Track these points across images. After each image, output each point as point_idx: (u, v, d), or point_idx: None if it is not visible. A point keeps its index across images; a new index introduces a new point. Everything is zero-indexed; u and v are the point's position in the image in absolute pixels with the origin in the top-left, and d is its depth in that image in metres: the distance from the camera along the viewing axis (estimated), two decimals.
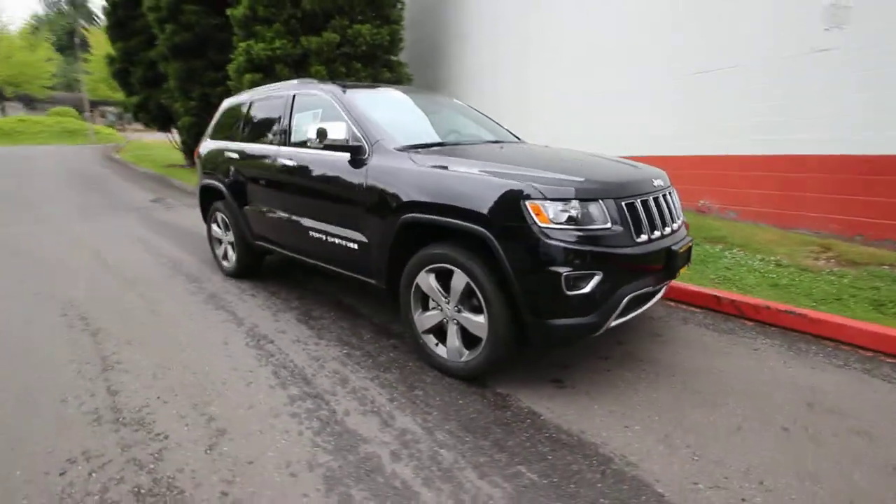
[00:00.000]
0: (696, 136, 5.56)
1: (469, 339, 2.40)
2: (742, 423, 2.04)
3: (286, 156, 3.31)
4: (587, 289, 2.07)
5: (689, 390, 2.31)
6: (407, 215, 2.44)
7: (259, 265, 4.27)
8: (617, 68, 6.41)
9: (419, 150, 2.70)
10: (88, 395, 2.34)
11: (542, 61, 8.13)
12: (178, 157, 15.32)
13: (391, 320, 3.26)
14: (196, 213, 8.65)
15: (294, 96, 3.44)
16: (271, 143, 3.57)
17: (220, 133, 4.32)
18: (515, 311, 2.16)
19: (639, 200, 2.26)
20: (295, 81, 3.65)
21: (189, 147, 14.48)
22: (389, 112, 3.14)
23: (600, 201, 2.12)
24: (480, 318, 2.25)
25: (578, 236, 2.05)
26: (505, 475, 1.74)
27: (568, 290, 2.04)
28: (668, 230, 2.41)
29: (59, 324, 3.25)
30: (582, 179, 2.20)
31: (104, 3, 13.41)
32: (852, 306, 3.15)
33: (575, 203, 2.07)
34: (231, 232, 4.12)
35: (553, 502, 1.62)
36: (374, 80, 10.06)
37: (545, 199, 2.05)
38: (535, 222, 2.04)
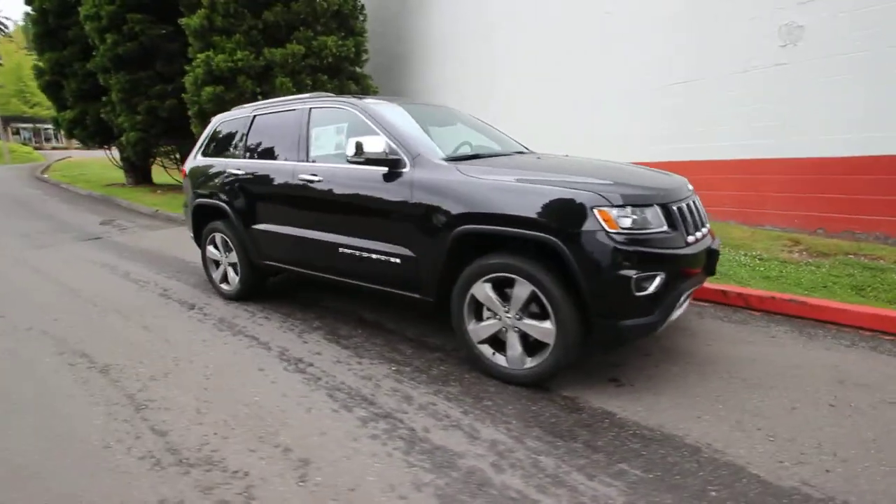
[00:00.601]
0: (673, 141, 5.99)
1: (529, 346, 2.45)
2: (794, 403, 2.24)
3: (307, 171, 3.21)
4: (651, 289, 2.20)
5: (735, 378, 2.49)
6: (463, 227, 2.45)
7: (263, 286, 4.08)
8: (592, 80, 6.77)
9: (460, 161, 2.74)
10: (133, 439, 2.13)
11: (508, 74, 8.40)
12: (118, 175, 14.21)
13: (424, 333, 3.23)
14: (159, 235, 8.20)
15: (311, 110, 3.35)
16: (285, 158, 3.45)
17: (216, 150, 4.10)
18: (582, 314, 2.25)
19: (683, 204, 2.43)
20: (307, 95, 3.55)
21: (133, 164, 13.52)
22: (414, 125, 3.14)
23: (655, 206, 2.26)
24: (546, 324, 2.31)
25: (642, 240, 2.18)
26: (610, 474, 1.80)
27: (636, 291, 2.15)
28: (704, 231, 2.60)
29: (60, 363, 2.93)
30: (637, 186, 2.33)
31: (28, 10, 12.25)
32: (838, 292, 3.54)
33: (636, 209, 2.20)
34: (233, 253, 3.91)
35: (664, 494, 1.69)
36: (341, 93, 9.96)
37: (611, 205, 2.15)
38: (603, 228, 2.14)
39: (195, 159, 4.29)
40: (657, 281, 2.20)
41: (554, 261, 2.27)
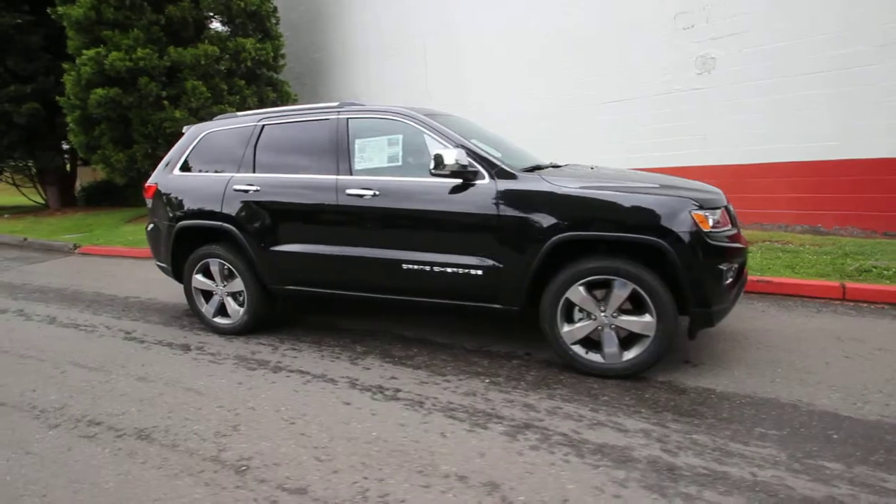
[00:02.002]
0: (608, 152, 6.79)
1: (622, 341, 2.65)
2: (826, 358, 2.80)
3: (357, 186, 2.98)
4: (731, 278, 2.57)
5: (767, 347, 3.00)
6: (563, 234, 2.56)
7: (273, 316, 3.63)
8: (532, 97, 7.33)
9: (535, 172, 2.84)
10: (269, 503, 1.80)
11: (447, 88, 8.62)
12: None
13: (483, 344, 3.21)
14: (48, 268, 7.19)
15: (348, 120, 3.12)
16: (318, 172, 3.15)
17: (203, 164, 3.55)
18: (677, 305, 2.52)
19: (730, 207, 2.88)
20: (333, 105, 3.28)
21: None
22: (476, 136, 3.13)
23: (722, 209, 2.65)
24: (646, 318, 2.52)
25: (725, 237, 2.53)
26: (757, 437, 2.06)
27: (724, 281, 2.50)
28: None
29: (76, 439, 2.30)
30: (706, 192, 2.69)
31: None
32: (780, 271, 4.44)
33: (713, 211, 2.55)
34: (236, 280, 3.42)
35: (809, 444, 2.00)
36: (260, 100, 9.19)
37: (702, 208, 2.47)
38: (700, 229, 2.44)
39: (169, 175, 3.65)
40: (734, 271, 2.59)
41: (651, 259, 2.52)
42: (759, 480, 1.81)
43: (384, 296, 3.08)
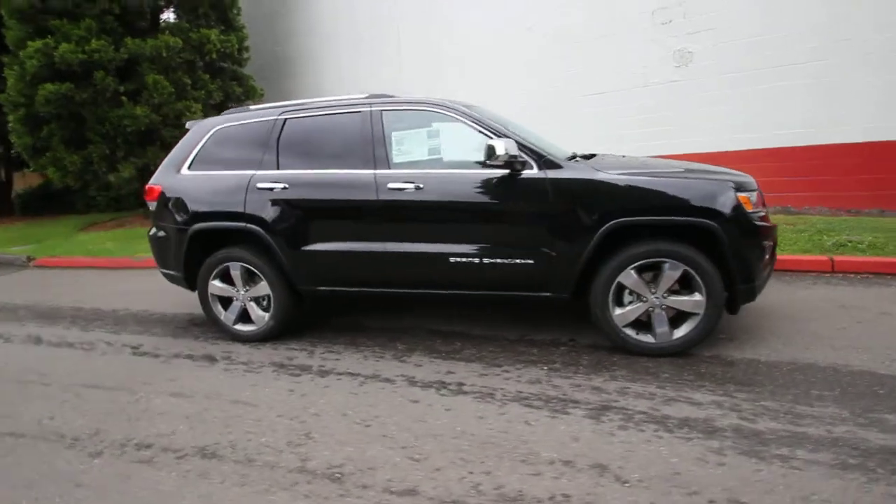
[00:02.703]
0: (592, 142, 7.00)
1: (670, 321, 2.77)
2: (842, 325, 3.05)
3: (399, 179, 2.90)
4: (769, 255, 2.75)
5: (787, 318, 3.23)
6: (617, 220, 2.62)
7: (298, 319, 3.47)
8: (517, 90, 7.41)
9: (580, 161, 2.88)
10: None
11: (417, 75, 8.52)
12: None
13: (525, 333, 3.23)
14: (9, 282, 6.61)
15: (382, 113, 3.02)
16: (352, 167, 3.03)
17: (218, 162, 3.31)
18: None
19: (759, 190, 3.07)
20: (364, 95, 3.16)
21: None
22: (518, 126, 3.12)
23: (756, 191, 2.82)
24: (696, 297, 2.64)
25: (762, 216, 2.70)
26: (817, 399, 2.22)
27: (764, 257, 2.68)
28: None
29: (130, 464, 2.10)
30: (742, 176, 2.84)
31: None
32: None
33: (751, 193, 2.71)
34: (261, 284, 3.24)
35: (865, 400, 2.18)
36: (225, 96, 8.71)
37: (745, 191, 2.62)
38: (745, 210, 2.58)
39: (176, 175, 3.38)
40: (771, 248, 2.77)
41: (697, 241, 2.64)
42: (837, 437, 1.96)
43: (429, 291, 3.04)
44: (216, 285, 3.36)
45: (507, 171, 2.77)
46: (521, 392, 2.50)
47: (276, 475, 1.96)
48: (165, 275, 3.61)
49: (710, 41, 5.98)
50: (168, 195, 3.38)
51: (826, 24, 5.46)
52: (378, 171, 2.97)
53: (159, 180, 3.44)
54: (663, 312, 2.73)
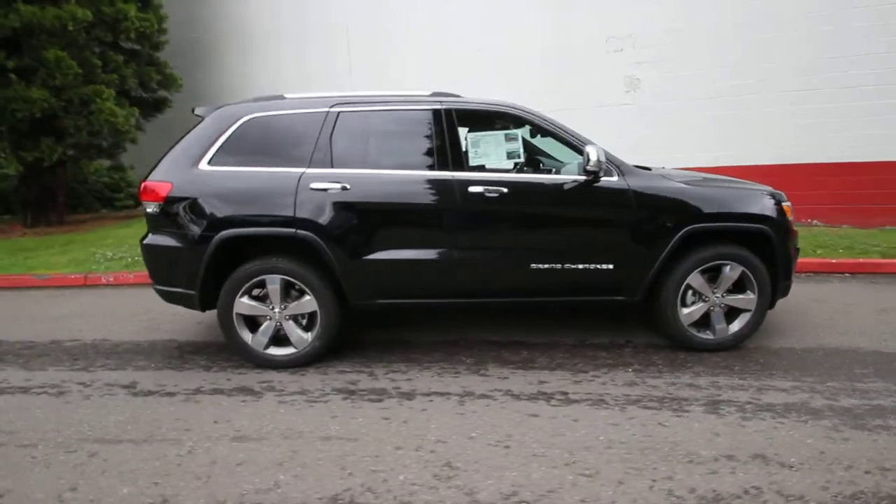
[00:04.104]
0: None
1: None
2: (827, 315, 3.63)
3: (482, 183, 2.75)
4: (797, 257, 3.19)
5: (786, 311, 3.74)
6: (693, 226, 2.80)
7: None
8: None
9: (644, 170, 3.03)
10: None
11: (367, 74, 8.26)
12: None
13: (584, 338, 3.27)
14: None
15: (453, 112, 2.82)
16: (420, 167, 2.81)
17: (248, 157, 2.79)
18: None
19: None
20: (426, 93, 2.91)
21: None
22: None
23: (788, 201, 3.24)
24: (749, 295, 2.94)
25: (793, 222, 3.12)
26: (873, 379, 2.63)
27: (797, 257, 3.09)
28: None
29: None
30: (772, 187, 3.24)
31: None
32: None
33: (788, 202, 3.10)
34: (305, 300, 2.81)
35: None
36: (141, 82, 7.47)
37: (784, 202, 2.99)
38: (787, 217, 2.96)
39: (194, 170, 2.77)
40: (797, 250, 3.21)
41: (753, 244, 2.94)
42: None
43: (504, 299, 2.93)
44: (244, 303, 2.82)
45: (590, 178, 2.82)
46: (628, 395, 2.53)
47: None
48: (166, 293, 2.93)
49: (655, 70, 6.79)
50: (181, 195, 2.76)
51: (746, 65, 6.55)
52: (456, 174, 2.79)
53: (168, 176, 2.78)
54: (721, 311, 3.01)
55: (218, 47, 9.27)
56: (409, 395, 2.58)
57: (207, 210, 2.75)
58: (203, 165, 2.80)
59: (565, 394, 2.57)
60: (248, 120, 2.85)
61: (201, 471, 1.99)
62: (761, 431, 2.18)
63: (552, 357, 3.03)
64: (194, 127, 2.91)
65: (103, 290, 4.92)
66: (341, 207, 2.75)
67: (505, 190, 2.80)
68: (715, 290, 2.96)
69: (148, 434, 2.26)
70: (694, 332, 3.00)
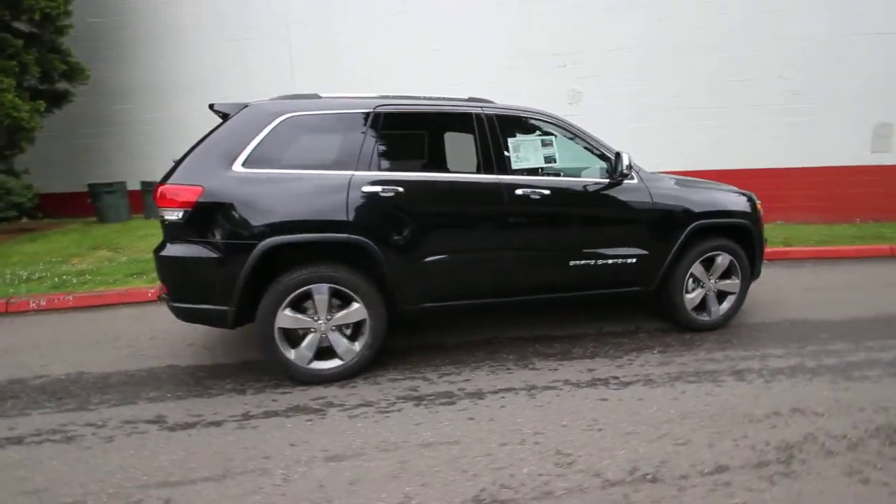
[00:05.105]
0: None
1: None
2: (804, 292, 4.34)
3: (528, 185, 2.87)
4: None
5: (767, 291, 4.41)
6: (699, 222, 3.21)
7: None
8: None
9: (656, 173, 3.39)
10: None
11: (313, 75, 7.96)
12: None
13: (602, 327, 3.55)
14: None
15: (495, 117, 2.89)
16: (469, 170, 2.84)
17: (288, 158, 2.58)
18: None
19: None
20: (464, 98, 2.93)
21: None
22: None
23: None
24: (734, 280, 3.45)
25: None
26: (831, 341, 3.24)
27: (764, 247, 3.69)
28: None
29: None
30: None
31: None
32: None
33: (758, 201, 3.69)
34: (357, 307, 2.69)
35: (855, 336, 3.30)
36: (43, 72, 6.35)
37: (756, 200, 3.56)
38: (760, 214, 3.52)
39: (228, 172, 2.49)
40: None
41: (736, 237, 3.45)
42: (870, 358, 2.96)
43: (544, 296, 3.08)
44: (287, 316, 2.60)
45: (618, 180, 3.10)
46: (668, 373, 2.84)
47: (583, 498, 1.80)
48: (188, 311, 2.59)
49: (594, 85, 7.51)
50: (214, 200, 2.46)
51: (665, 82, 7.55)
52: (502, 177, 2.88)
53: (196, 179, 2.46)
54: (714, 295, 3.49)
55: (128, 40, 8.17)
56: (479, 395, 2.61)
57: (247, 216, 2.49)
58: (237, 167, 2.53)
59: (617, 378, 2.80)
60: (286, 119, 2.64)
61: (316, 496, 1.84)
62: (786, 390, 2.61)
63: (584, 347, 3.25)
64: (219, 126, 2.62)
65: (36, 317, 4.07)
66: (395, 210, 2.69)
67: (547, 192, 2.96)
68: (710, 277, 3.45)
69: (223, 469, 2.00)
70: (695, 315, 3.44)
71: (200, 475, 1.97)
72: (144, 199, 7.55)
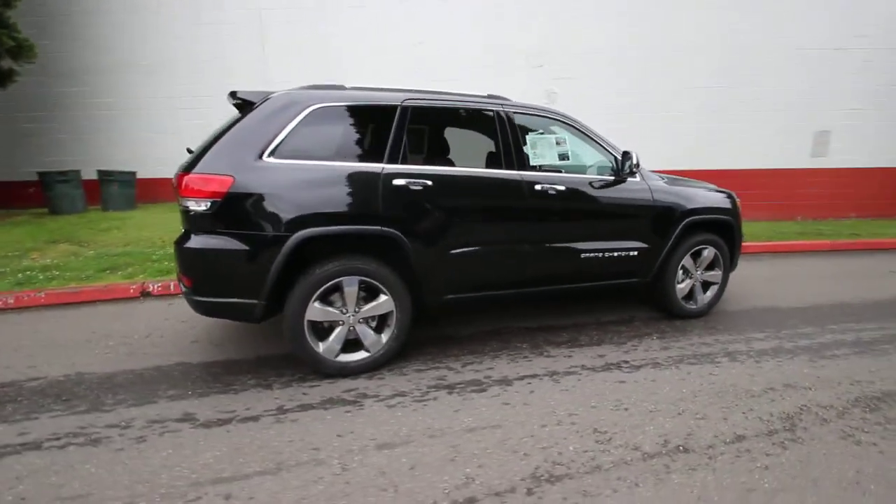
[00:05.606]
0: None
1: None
2: (768, 282, 4.78)
3: (546, 182, 3.00)
4: None
5: (734, 282, 4.80)
6: (691, 217, 3.49)
7: None
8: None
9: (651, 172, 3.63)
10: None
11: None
12: None
13: (600, 318, 3.78)
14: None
15: (514, 115, 2.99)
16: (492, 166, 2.93)
17: (317, 151, 2.54)
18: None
19: None
20: (483, 94, 3.00)
21: None
22: None
23: None
24: (717, 271, 3.78)
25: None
26: (799, 325, 3.63)
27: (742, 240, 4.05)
28: None
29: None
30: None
31: None
32: None
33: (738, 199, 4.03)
34: (385, 299, 2.72)
35: (879, 321, 3.71)
36: None
37: (736, 198, 3.89)
38: (739, 210, 3.85)
39: (258, 163, 2.42)
40: None
41: (718, 231, 3.77)
42: (837, 339, 3.36)
43: (558, 287, 3.23)
44: (317, 308, 2.58)
45: (623, 178, 3.31)
46: (671, 357, 3.08)
47: (629, 470, 1.96)
48: (212, 304, 2.50)
49: (567, 86, 7.81)
50: (246, 191, 2.38)
51: (634, 84, 7.98)
52: (523, 173, 2.99)
53: (225, 169, 2.37)
54: (699, 285, 3.80)
55: (85, 14, 7.52)
56: (507, 382, 2.72)
57: (280, 208, 2.45)
58: (268, 157, 2.47)
59: (627, 362, 3.01)
60: (317, 109, 2.60)
61: (380, 482, 1.87)
62: (774, 369, 2.93)
63: (589, 335, 3.45)
64: (245, 114, 2.54)
65: (4, 316, 3.71)
66: (425, 204, 2.73)
67: (562, 188, 3.11)
68: (697, 269, 3.75)
69: (275, 462, 1.98)
70: (684, 303, 3.74)
71: (253, 469, 1.95)
72: (103, 189, 7.01)
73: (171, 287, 4.34)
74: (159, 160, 7.77)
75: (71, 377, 2.74)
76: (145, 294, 4.28)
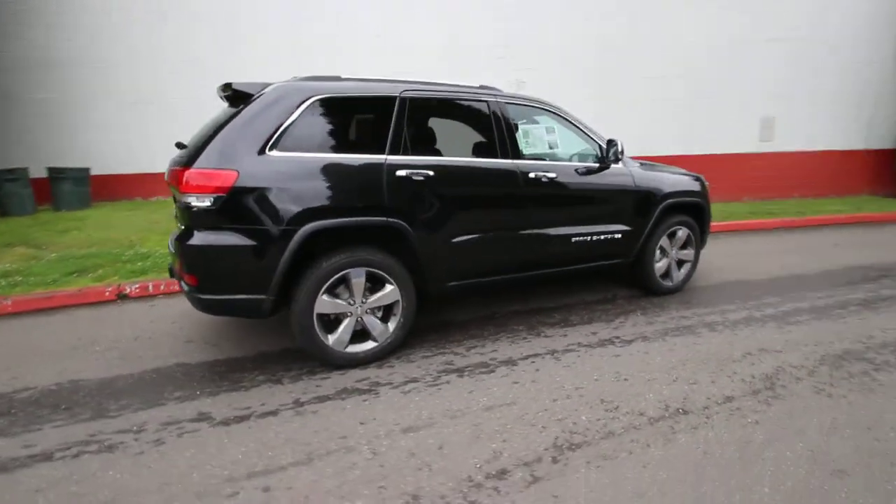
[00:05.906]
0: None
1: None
2: (729, 257, 5.13)
3: (539, 170, 3.11)
4: None
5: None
6: (668, 201, 3.72)
7: None
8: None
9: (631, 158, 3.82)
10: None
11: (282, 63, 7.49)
12: None
13: (584, 297, 3.98)
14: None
15: (506, 105, 3.07)
16: (488, 155, 3.01)
17: (317, 143, 2.52)
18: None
19: None
20: (475, 86, 3.04)
21: None
22: None
23: None
24: (689, 250, 4.06)
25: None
26: (764, 295, 3.97)
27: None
28: None
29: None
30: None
31: None
32: None
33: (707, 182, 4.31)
34: (391, 289, 2.77)
35: (815, 283, 4.07)
36: None
37: (705, 182, 4.16)
38: (708, 193, 4.13)
39: (262, 156, 2.38)
40: None
41: (690, 212, 4.04)
42: (797, 307, 3.71)
43: (552, 270, 3.37)
44: (325, 301, 2.59)
45: (608, 165, 3.48)
46: (656, 331, 3.31)
47: (639, 433, 2.14)
48: (219, 302, 2.45)
49: (532, 75, 7.98)
50: (250, 185, 2.34)
51: (598, 78, 8.26)
52: (517, 162, 3.09)
53: (231, 163, 2.31)
54: (675, 263, 4.07)
55: (22, 4, 6.90)
56: (512, 362, 2.85)
57: (286, 201, 2.42)
58: (270, 150, 2.43)
59: (618, 337, 3.21)
60: (317, 100, 2.57)
61: (413, 463, 1.95)
62: (748, 336, 3.21)
63: (579, 315, 3.63)
64: (244, 107, 2.47)
65: None
66: (428, 194, 2.78)
67: (553, 175, 3.24)
68: (672, 248, 4.01)
69: (306, 453, 2.01)
70: (662, 281, 4.00)
71: (286, 461, 1.97)
72: (54, 188, 6.53)
73: (150, 288, 4.16)
74: (115, 156, 7.33)
75: (64, 385, 2.61)
76: (122, 296, 4.08)
